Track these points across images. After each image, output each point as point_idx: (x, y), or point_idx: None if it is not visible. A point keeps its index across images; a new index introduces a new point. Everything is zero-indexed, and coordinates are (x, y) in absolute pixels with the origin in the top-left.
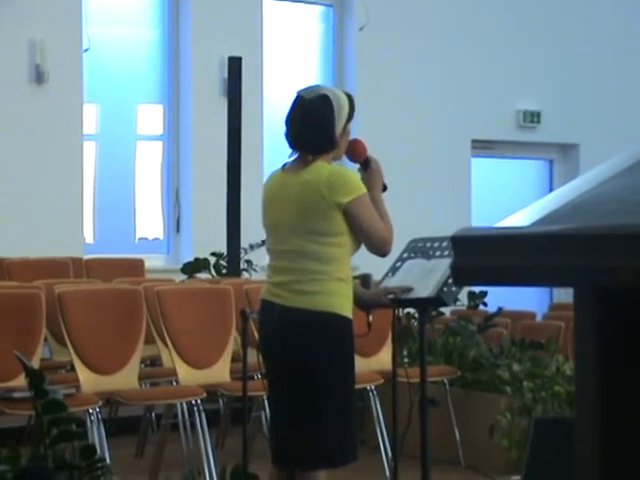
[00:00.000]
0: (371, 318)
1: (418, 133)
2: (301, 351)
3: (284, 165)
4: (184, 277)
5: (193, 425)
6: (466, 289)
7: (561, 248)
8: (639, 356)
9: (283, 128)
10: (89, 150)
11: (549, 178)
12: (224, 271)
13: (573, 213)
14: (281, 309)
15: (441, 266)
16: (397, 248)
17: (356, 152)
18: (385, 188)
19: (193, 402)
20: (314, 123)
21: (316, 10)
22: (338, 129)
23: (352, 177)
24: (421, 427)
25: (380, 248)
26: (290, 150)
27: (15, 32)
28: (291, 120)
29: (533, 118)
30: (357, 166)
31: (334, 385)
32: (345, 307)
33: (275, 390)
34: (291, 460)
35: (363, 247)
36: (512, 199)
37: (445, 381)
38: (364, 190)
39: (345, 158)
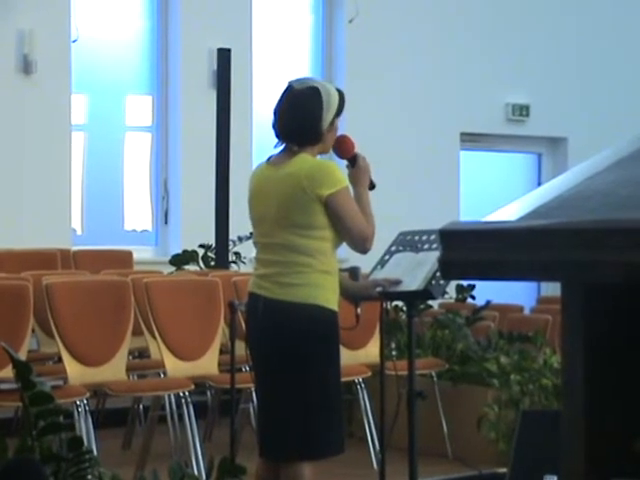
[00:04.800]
0: (359, 311)
1: (407, 126)
2: (284, 343)
3: (269, 158)
4: (172, 269)
5: (181, 417)
6: (454, 282)
7: (548, 242)
8: (624, 349)
9: (272, 119)
10: (77, 141)
11: (537, 172)
12: (212, 263)
13: (561, 207)
14: (265, 301)
15: (429, 259)
16: (385, 241)
17: (343, 148)
18: (373, 186)
19: (181, 394)
20: (301, 114)
21: (306, 2)
22: (325, 123)
23: (334, 170)
24: (409, 419)
25: (360, 244)
26: (276, 141)
27: (3, 22)
28: (280, 110)
29: (522, 111)
30: (345, 162)
31: (318, 377)
32: (329, 299)
33: (260, 382)
34: (276, 452)
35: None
36: (500, 193)
37: (433, 374)
38: (345, 183)
39: (333, 154)
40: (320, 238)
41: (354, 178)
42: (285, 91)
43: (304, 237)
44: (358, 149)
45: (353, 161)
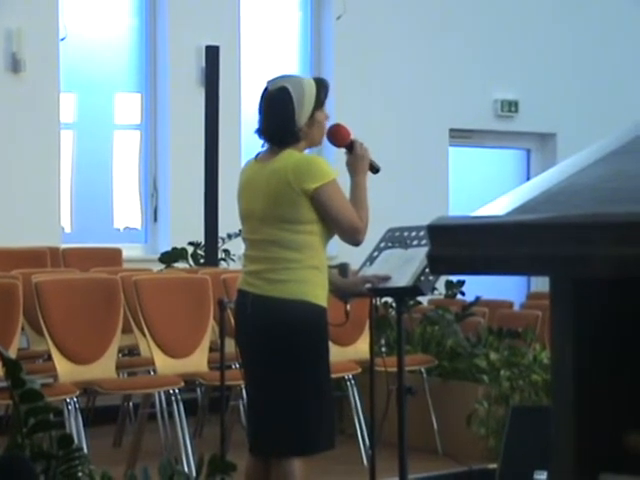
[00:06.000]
0: (349, 307)
1: (396, 122)
2: (273, 340)
3: (257, 154)
4: (162, 267)
5: (171, 414)
6: (443, 278)
7: (537, 237)
8: (614, 345)
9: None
10: (66, 139)
11: (526, 167)
12: (202, 261)
13: (549, 202)
14: (254, 298)
15: (418, 255)
16: (374, 237)
17: (337, 137)
18: (377, 170)
19: (171, 391)
20: (273, 116)
21: None
22: (301, 120)
23: (319, 164)
24: (398, 416)
25: (351, 236)
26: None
27: None
28: (259, 112)
29: (511, 107)
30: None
31: (308, 373)
32: (318, 295)
33: (250, 379)
34: (266, 448)
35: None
36: (489, 188)
37: (422, 370)
38: (332, 176)
39: (329, 145)
40: (308, 233)
41: (350, 166)
42: (262, 92)
43: (292, 232)
44: None
45: (351, 148)
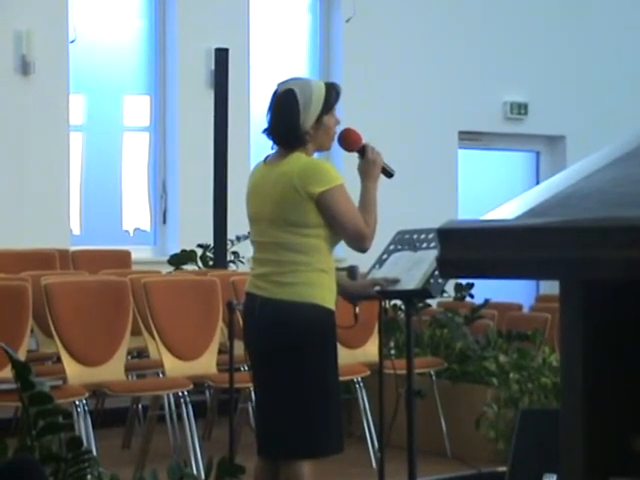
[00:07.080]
0: (357, 310)
1: (405, 124)
2: (281, 342)
3: (266, 157)
4: (171, 269)
5: (180, 417)
6: (453, 281)
7: (546, 241)
8: (623, 348)
9: None
10: (75, 141)
11: (536, 170)
12: (211, 263)
13: (558, 206)
14: (262, 301)
15: (428, 258)
16: (383, 240)
17: (348, 141)
18: (390, 175)
19: (180, 394)
20: (278, 119)
21: (303, 1)
22: (307, 123)
23: (326, 168)
24: (407, 418)
25: (356, 242)
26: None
27: (1, 23)
28: (268, 111)
29: (520, 110)
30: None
31: (316, 376)
32: (326, 298)
33: (258, 381)
34: (275, 451)
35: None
36: (499, 191)
37: (432, 373)
38: (339, 182)
39: (337, 149)
40: (315, 236)
41: (361, 171)
42: (272, 93)
43: (299, 235)
44: None
45: (363, 153)
